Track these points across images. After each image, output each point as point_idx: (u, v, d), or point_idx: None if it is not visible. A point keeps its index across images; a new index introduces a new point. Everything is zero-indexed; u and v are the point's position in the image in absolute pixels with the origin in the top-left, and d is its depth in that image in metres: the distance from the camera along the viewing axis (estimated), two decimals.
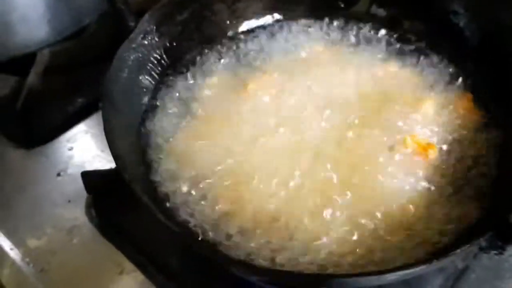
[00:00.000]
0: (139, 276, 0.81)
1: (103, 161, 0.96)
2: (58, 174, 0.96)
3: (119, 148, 0.73)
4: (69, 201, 0.92)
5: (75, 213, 0.90)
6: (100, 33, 1.13)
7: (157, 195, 0.79)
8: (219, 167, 0.80)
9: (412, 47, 0.96)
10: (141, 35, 0.88)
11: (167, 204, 0.78)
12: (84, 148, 1.01)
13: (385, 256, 0.70)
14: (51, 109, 1.04)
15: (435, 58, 0.93)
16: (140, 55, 0.88)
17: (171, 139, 0.85)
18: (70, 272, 0.83)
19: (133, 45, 0.86)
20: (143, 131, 0.87)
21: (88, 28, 1.14)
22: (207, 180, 0.79)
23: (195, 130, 0.86)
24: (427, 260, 0.60)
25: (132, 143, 0.83)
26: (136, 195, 0.67)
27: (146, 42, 0.89)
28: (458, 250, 0.59)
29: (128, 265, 0.83)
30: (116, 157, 0.70)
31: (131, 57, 0.86)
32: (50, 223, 0.89)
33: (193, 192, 0.78)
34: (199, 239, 0.73)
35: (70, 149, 1.01)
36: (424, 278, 0.76)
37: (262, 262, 0.70)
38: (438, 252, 0.70)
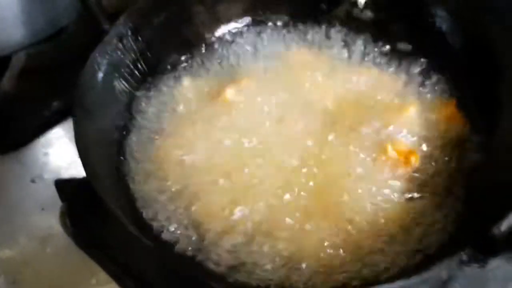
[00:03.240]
0: (114, 287, 0.79)
1: (80, 167, 0.92)
2: (32, 181, 0.94)
3: (90, 157, 0.71)
4: (43, 209, 0.90)
5: (49, 221, 0.87)
6: (77, 36, 1.10)
7: (132, 205, 0.77)
8: (196, 177, 0.78)
9: (395, 51, 0.94)
10: (116, 38, 0.86)
11: (142, 214, 0.76)
12: (60, 153, 0.98)
13: (364, 265, 0.69)
14: (26, 113, 1.01)
15: (418, 63, 0.91)
16: (115, 59, 0.85)
17: (147, 148, 0.84)
18: (43, 283, 0.82)
19: (108, 49, 0.84)
20: (119, 139, 0.85)
21: (65, 30, 1.11)
22: (184, 190, 0.78)
23: (172, 138, 0.84)
24: (405, 276, 0.58)
25: (107, 151, 0.81)
26: (107, 207, 0.66)
27: (121, 46, 0.86)
28: (436, 265, 0.58)
29: (103, 276, 0.80)
30: (86, 166, 0.68)
31: (106, 62, 0.83)
32: (22, 232, 0.87)
33: (168, 202, 0.77)
34: (174, 252, 0.72)
35: (45, 154, 0.98)
36: None
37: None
38: (419, 263, 0.69)
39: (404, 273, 0.67)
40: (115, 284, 0.79)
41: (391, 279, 0.63)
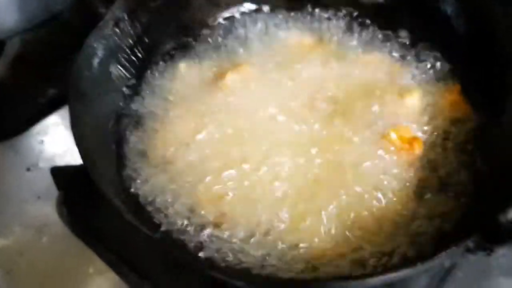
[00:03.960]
0: (111, 275, 0.78)
1: (76, 155, 0.91)
2: (28, 169, 0.93)
3: (86, 144, 0.70)
4: (39, 198, 0.88)
5: (45, 210, 0.86)
6: (73, 21, 1.08)
7: (129, 191, 0.76)
8: (195, 164, 0.77)
9: (398, 36, 0.92)
10: (112, 23, 0.84)
11: (139, 200, 0.75)
12: (56, 141, 0.97)
13: (368, 253, 0.68)
14: (21, 101, 1.00)
15: (422, 48, 0.90)
16: (112, 44, 0.83)
17: (145, 134, 0.82)
18: (39, 273, 0.80)
19: (103, 33, 0.82)
20: (116, 125, 0.83)
21: (60, 15, 1.08)
22: (182, 177, 0.76)
23: (170, 124, 0.82)
24: (410, 264, 0.57)
25: (104, 138, 0.79)
26: (104, 195, 0.64)
27: (117, 30, 0.84)
28: (443, 253, 0.57)
29: (100, 264, 0.79)
30: (82, 153, 0.67)
31: (101, 46, 0.81)
32: (18, 221, 0.86)
33: (167, 188, 0.76)
34: (173, 240, 0.70)
35: (41, 142, 0.97)
36: (409, 280, 0.73)
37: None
38: (424, 250, 0.67)
39: (408, 260, 0.66)
40: (112, 272, 0.78)
41: (395, 267, 0.61)
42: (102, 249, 0.80)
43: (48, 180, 0.86)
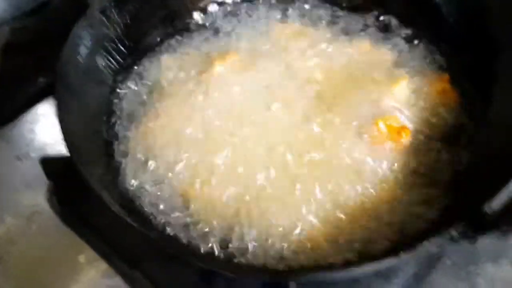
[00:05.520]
0: (102, 264, 0.79)
1: None
2: (18, 158, 0.92)
3: (73, 134, 0.70)
4: (29, 187, 0.88)
5: (35, 199, 0.86)
6: (62, 9, 1.07)
7: (117, 184, 0.76)
8: (184, 153, 0.77)
9: (387, 24, 0.92)
10: (99, 11, 0.83)
11: (128, 194, 0.75)
12: (46, 130, 0.97)
13: (352, 241, 0.68)
14: (11, 89, 0.99)
15: (411, 37, 0.90)
16: (99, 33, 0.83)
17: (134, 124, 0.82)
18: (30, 261, 0.81)
19: (90, 22, 0.82)
20: (104, 115, 0.83)
21: (49, 3, 1.07)
22: (171, 167, 0.76)
23: (159, 114, 0.82)
24: (393, 253, 0.57)
25: (92, 128, 0.79)
26: (90, 186, 0.65)
27: (104, 19, 0.84)
28: (426, 243, 0.57)
29: (91, 254, 0.80)
30: (69, 144, 0.67)
31: (88, 35, 0.81)
32: (8, 210, 0.86)
33: (156, 179, 0.76)
34: (161, 230, 0.71)
35: (31, 131, 0.96)
36: (395, 267, 0.74)
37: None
38: (409, 239, 0.68)
39: (394, 249, 0.65)
40: (102, 261, 0.79)
41: (379, 257, 0.61)
42: (92, 238, 0.80)
43: (38, 169, 0.85)
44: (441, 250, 0.76)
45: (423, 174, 0.74)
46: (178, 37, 0.94)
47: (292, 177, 0.74)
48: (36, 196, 0.87)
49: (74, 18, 0.83)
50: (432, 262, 0.77)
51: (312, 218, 0.70)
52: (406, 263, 0.75)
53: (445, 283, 0.75)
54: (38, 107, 0.99)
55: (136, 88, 0.87)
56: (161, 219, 0.72)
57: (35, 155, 0.92)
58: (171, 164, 0.76)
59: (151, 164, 0.77)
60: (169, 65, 0.89)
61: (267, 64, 0.86)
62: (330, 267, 0.63)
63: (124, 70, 0.88)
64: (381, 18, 0.93)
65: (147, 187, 0.75)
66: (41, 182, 0.87)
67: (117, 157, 0.79)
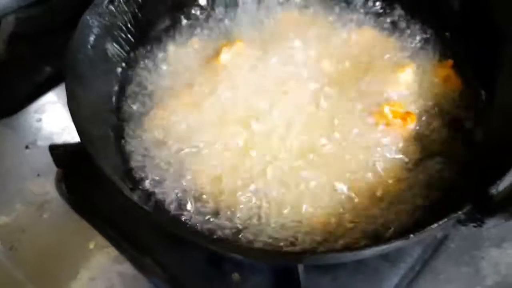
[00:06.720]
0: (112, 251, 0.80)
1: (74, 133, 0.91)
2: (26, 147, 0.93)
3: (83, 121, 0.70)
4: (39, 175, 0.89)
5: (45, 187, 0.87)
6: None
7: (127, 167, 0.77)
8: (192, 140, 0.78)
9: (391, 11, 0.92)
10: (107, 0, 0.83)
11: (137, 176, 0.76)
12: (53, 119, 0.97)
13: (359, 222, 0.69)
14: (18, 79, 1.00)
15: (414, 23, 0.90)
16: (107, 22, 0.83)
17: (143, 111, 0.83)
18: (40, 249, 0.81)
19: (99, 11, 0.82)
20: (113, 102, 0.84)
21: None
22: (179, 153, 0.77)
23: (167, 102, 0.83)
24: (402, 236, 0.58)
25: (101, 115, 0.80)
26: (102, 171, 0.65)
27: (112, 8, 0.84)
28: (435, 225, 0.58)
29: (101, 240, 0.81)
30: (79, 130, 0.67)
31: (97, 24, 0.81)
32: (19, 199, 0.86)
33: (165, 164, 0.77)
34: (170, 215, 0.71)
35: (39, 120, 0.97)
36: (401, 250, 0.75)
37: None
38: (417, 221, 0.69)
39: (400, 231, 0.68)
40: (112, 248, 0.80)
41: (387, 239, 0.62)
42: (102, 225, 0.82)
43: (47, 157, 0.86)
44: (446, 233, 0.77)
45: (429, 158, 0.75)
46: (185, 25, 0.94)
47: (300, 161, 0.74)
48: (45, 184, 0.88)
49: (79, 7, 0.83)
50: (436, 246, 0.78)
51: (320, 201, 0.71)
52: (412, 247, 0.76)
53: (449, 267, 0.76)
54: (45, 97, 1.00)
55: (144, 76, 0.87)
56: (172, 202, 0.73)
57: (43, 143, 0.92)
58: (181, 150, 0.77)
59: (161, 150, 0.78)
60: (176, 53, 0.89)
61: (273, 51, 0.86)
62: (339, 249, 0.64)
63: (132, 59, 0.89)
64: (386, 6, 0.93)
65: (157, 169, 0.76)
66: (50, 170, 0.88)
67: (127, 143, 0.79)
